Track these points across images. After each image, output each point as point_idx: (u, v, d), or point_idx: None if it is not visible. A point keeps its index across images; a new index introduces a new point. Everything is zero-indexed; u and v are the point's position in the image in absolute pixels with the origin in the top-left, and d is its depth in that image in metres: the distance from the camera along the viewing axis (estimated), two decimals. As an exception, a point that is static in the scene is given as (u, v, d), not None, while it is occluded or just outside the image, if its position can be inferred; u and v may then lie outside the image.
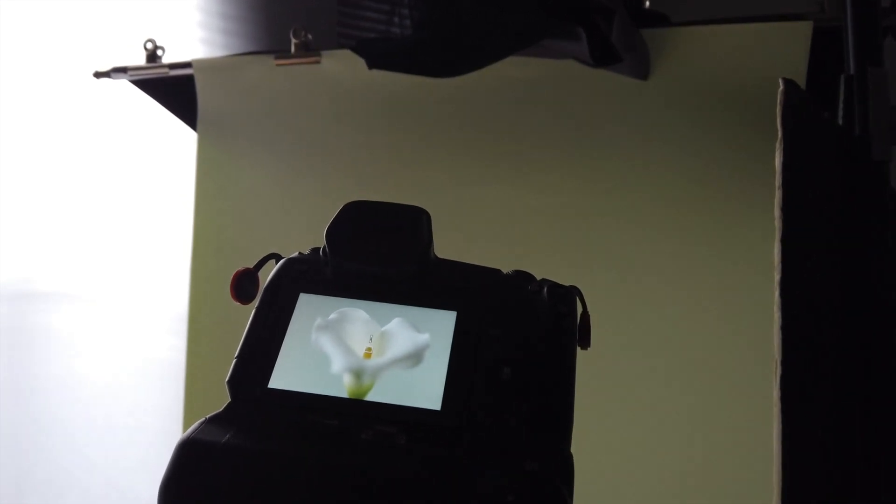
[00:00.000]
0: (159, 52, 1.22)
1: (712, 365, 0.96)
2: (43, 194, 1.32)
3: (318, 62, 1.14)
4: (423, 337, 0.34)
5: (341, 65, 1.13)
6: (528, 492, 0.29)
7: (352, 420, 0.32)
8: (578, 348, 0.37)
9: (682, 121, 1.03)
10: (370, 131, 1.14)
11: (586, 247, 1.03)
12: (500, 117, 1.08)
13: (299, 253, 0.39)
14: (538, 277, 0.38)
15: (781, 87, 0.55)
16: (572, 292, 0.36)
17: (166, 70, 1.20)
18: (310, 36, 1.16)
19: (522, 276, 0.38)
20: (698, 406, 0.96)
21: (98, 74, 1.24)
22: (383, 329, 0.35)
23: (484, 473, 0.30)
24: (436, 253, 0.40)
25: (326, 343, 0.34)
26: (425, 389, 0.33)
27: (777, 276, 0.53)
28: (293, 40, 1.15)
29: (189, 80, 1.20)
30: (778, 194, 0.54)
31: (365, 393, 0.33)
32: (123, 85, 1.23)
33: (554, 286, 0.36)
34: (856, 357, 0.54)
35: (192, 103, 1.21)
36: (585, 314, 0.37)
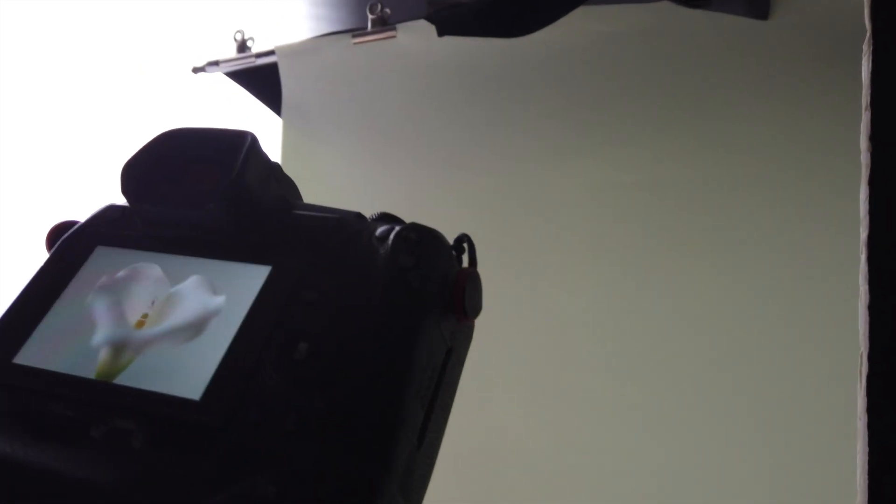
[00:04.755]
0: (249, 43, 1.21)
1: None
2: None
3: (393, 37, 1.07)
4: (216, 301, 0.25)
5: (417, 38, 1.05)
6: None
7: (89, 411, 0.23)
8: (459, 320, 0.26)
9: (812, 69, 0.84)
10: (448, 105, 1.05)
11: (686, 227, 0.86)
12: (584, 81, 0.94)
13: None
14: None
15: (870, -32, 0.39)
16: (429, 240, 0.25)
17: (253, 59, 1.19)
18: (387, 10, 1.09)
19: (383, 220, 0.27)
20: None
21: (196, 70, 1.26)
22: (172, 290, 0.26)
23: (215, 494, 0.20)
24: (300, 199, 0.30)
25: (100, 308, 0.26)
26: (192, 372, 0.23)
27: (863, 234, 0.38)
28: (370, 16, 1.09)
29: (276, 67, 1.19)
30: (865, 117, 0.38)
31: (117, 374, 0.24)
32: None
33: (405, 230, 0.25)
34: None
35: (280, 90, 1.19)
36: (464, 271, 0.25)
